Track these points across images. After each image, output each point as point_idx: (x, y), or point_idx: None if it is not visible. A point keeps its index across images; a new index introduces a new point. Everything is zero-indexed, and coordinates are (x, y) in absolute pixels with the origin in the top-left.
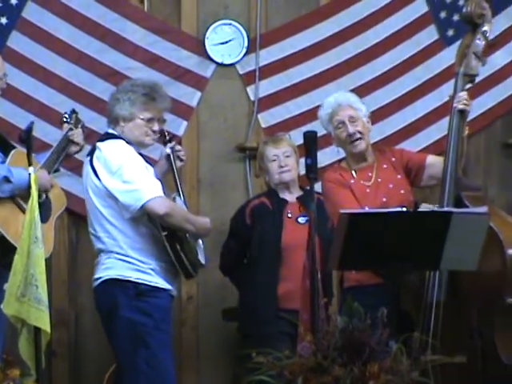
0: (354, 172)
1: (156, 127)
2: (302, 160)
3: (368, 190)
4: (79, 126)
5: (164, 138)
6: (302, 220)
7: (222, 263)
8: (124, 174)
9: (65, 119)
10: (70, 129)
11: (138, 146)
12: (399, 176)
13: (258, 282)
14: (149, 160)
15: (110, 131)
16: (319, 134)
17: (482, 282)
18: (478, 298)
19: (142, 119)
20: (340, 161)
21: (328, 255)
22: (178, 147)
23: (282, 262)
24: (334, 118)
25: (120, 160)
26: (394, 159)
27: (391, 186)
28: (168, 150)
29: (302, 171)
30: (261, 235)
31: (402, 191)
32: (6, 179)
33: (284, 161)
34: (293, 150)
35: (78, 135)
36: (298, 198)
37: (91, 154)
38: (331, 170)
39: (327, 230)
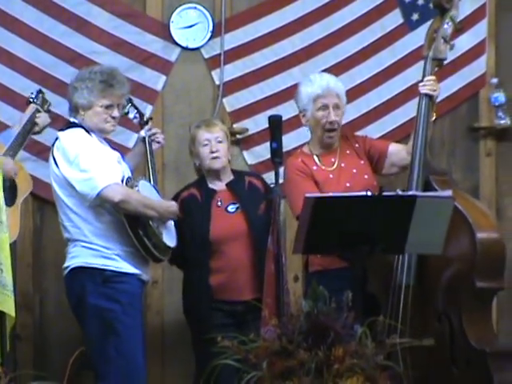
0: (316, 157)
1: (116, 113)
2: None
3: (331, 176)
4: (46, 106)
5: (141, 120)
6: (231, 209)
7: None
8: (81, 163)
9: (31, 99)
10: (38, 110)
11: (100, 132)
12: (362, 162)
13: (191, 275)
14: (115, 146)
15: (72, 120)
16: (284, 118)
17: (451, 266)
18: (446, 282)
19: (100, 106)
20: (303, 145)
21: (257, 241)
22: (155, 130)
23: (213, 254)
24: (319, 100)
25: (77, 149)
26: (357, 145)
27: (355, 171)
28: (143, 133)
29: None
30: (190, 228)
31: (366, 176)
32: None
33: (215, 146)
34: (225, 135)
35: (43, 119)
36: (227, 185)
37: (53, 144)
38: (294, 156)
39: (257, 215)
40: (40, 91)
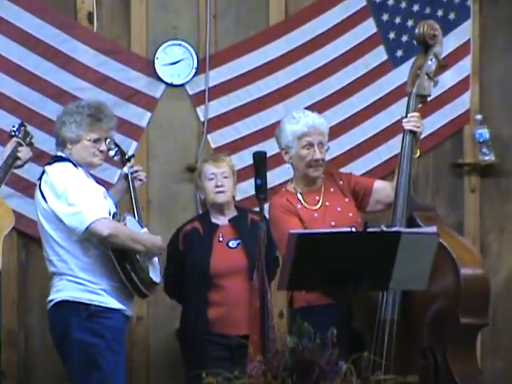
0: (300, 195)
1: (103, 147)
2: (249, 182)
3: (316, 215)
4: (27, 139)
5: (123, 157)
6: (232, 244)
7: (164, 286)
8: (69, 197)
9: (13, 133)
10: (19, 143)
11: (87, 166)
12: (347, 199)
13: (190, 307)
14: (100, 181)
15: (59, 154)
16: (269, 154)
17: (435, 302)
18: (430, 318)
19: (88, 140)
20: (286, 182)
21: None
22: (137, 167)
23: (213, 287)
24: (304, 138)
25: (65, 183)
26: (341, 182)
27: (339, 209)
28: (126, 170)
29: (246, 194)
30: (191, 261)
31: (351, 214)
32: None
33: (221, 180)
34: (231, 171)
35: (25, 153)
36: (230, 220)
37: (41, 177)
38: (278, 195)
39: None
40: (22, 124)
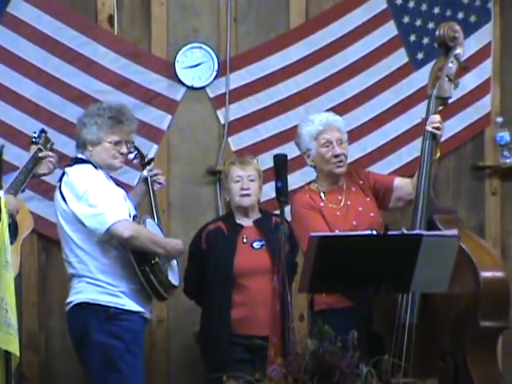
0: (323, 195)
1: (124, 149)
2: (270, 184)
3: (338, 213)
4: (48, 145)
5: (143, 160)
6: (256, 245)
7: (185, 287)
8: (89, 199)
9: (33, 139)
10: (39, 149)
11: (107, 169)
12: (368, 199)
13: (212, 307)
14: (120, 183)
15: (79, 156)
16: (289, 157)
17: (455, 306)
18: (450, 321)
19: (109, 142)
20: (309, 183)
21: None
22: (156, 171)
23: (236, 288)
24: (321, 136)
25: (86, 184)
26: (361, 182)
27: (360, 209)
28: (145, 173)
29: (267, 196)
30: (215, 260)
31: (372, 214)
32: None
33: (247, 183)
34: (258, 174)
35: (46, 162)
36: (254, 222)
37: (61, 179)
38: (301, 192)
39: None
40: (43, 130)
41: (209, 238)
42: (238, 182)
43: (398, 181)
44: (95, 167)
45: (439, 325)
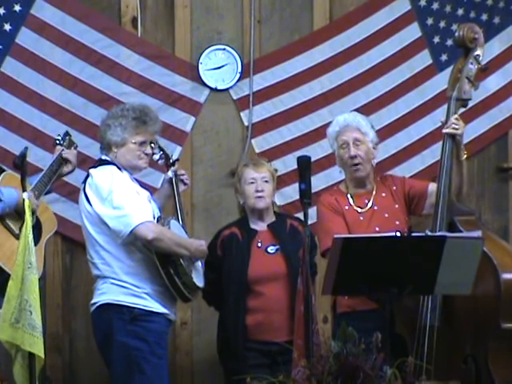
0: (350, 197)
1: (149, 150)
2: (293, 186)
3: (361, 218)
4: (72, 148)
5: (167, 161)
6: (271, 250)
7: (203, 294)
8: (114, 200)
9: (57, 142)
10: (63, 150)
11: (132, 170)
12: (397, 206)
13: (227, 313)
14: (144, 185)
15: (103, 157)
16: (313, 159)
17: (476, 307)
18: (471, 323)
19: (134, 143)
20: (340, 182)
21: (296, 283)
22: (181, 171)
23: (251, 293)
24: (339, 137)
25: (110, 186)
26: (394, 188)
27: (386, 215)
28: (170, 174)
29: (290, 199)
30: (229, 266)
31: (397, 222)
32: None
33: (261, 185)
34: (271, 176)
35: (71, 154)
36: (269, 226)
37: (85, 180)
38: (328, 193)
39: (297, 258)
40: (67, 133)
41: (223, 244)
42: (252, 183)
43: (432, 186)
44: (119, 169)
45: (461, 327)
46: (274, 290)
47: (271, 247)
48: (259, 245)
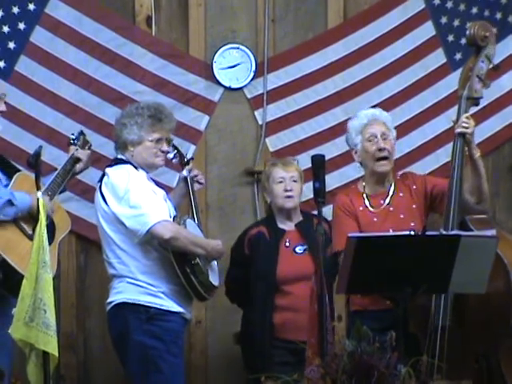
0: (365, 197)
1: (165, 147)
2: (307, 185)
3: (375, 219)
4: (86, 147)
5: (182, 160)
6: (299, 250)
7: (226, 291)
8: (131, 199)
9: (72, 141)
10: (77, 150)
11: (149, 168)
12: (414, 206)
13: (254, 311)
14: (159, 184)
15: (119, 156)
16: (327, 158)
17: (487, 306)
18: (482, 323)
19: (150, 141)
20: (358, 179)
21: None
22: (196, 171)
23: (279, 292)
24: (366, 130)
25: (127, 185)
26: (414, 187)
27: (402, 216)
28: (185, 173)
29: (304, 197)
30: (257, 265)
31: (413, 223)
32: (10, 202)
33: (290, 185)
34: (299, 175)
35: (83, 153)
36: (296, 225)
37: (101, 179)
38: (343, 193)
39: (325, 257)
40: (81, 132)
41: (251, 242)
42: (280, 183)
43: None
44: (136, 168)
45: (472, 326)
46: (301, 290)
47: (299, 247)
48: (287, 244)
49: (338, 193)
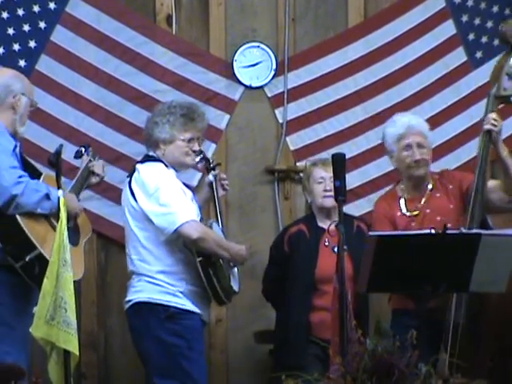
0: (403, 201)
1: (196, 147)
2: None
3: (413, 224)
4: (96, 158)
5: (208, 165)
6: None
7: (263, 288)
8: (160, 197)
9: (82, 153)
10: (90, 160)
11: (179, 167)
12: (451, 206)
13: (290, 310)
14: (188, 185)
15: (150, 154)
16: (347, 156)
17: (502, 305)
18: (497, 321)
19: (182, 140)
20: (398, 182)
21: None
22: (223, 175)
23: (317, 291)
24: (402, 140)
25: (157, 183)
26: (451, 186)
27: (439, 218)
28: (211, 177)
29: None
30: (296, 263)
31: (449, 225)
32: (47, 196)
33: (329, 184)
34: None
35: (98, 167)
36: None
37: (131, 175)
38: (383, 197)
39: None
40: (88, 145)
41: (291, 240)
42: (320, 183)
43: (492, 183)
44: (166, 166)
45: (487, 325)
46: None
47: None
48: (327, 243)
49: (379, 197)
